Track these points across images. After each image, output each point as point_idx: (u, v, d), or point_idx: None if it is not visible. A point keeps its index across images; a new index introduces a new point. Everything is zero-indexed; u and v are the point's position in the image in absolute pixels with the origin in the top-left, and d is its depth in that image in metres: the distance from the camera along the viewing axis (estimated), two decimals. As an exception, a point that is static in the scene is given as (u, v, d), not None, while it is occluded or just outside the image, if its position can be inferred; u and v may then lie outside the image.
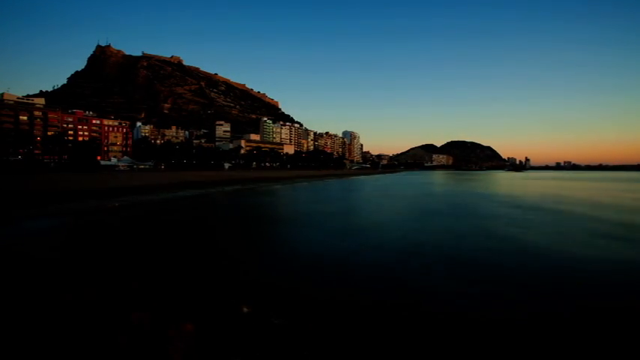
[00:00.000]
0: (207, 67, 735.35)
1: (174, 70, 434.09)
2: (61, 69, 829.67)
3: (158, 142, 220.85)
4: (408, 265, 19.37)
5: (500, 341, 10.88)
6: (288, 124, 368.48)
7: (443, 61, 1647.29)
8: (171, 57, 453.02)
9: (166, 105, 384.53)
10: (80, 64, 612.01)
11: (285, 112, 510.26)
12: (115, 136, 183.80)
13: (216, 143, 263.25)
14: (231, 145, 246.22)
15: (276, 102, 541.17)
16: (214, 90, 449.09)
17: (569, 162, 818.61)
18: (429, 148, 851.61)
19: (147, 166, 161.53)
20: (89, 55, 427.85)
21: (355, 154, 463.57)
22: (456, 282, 16.49)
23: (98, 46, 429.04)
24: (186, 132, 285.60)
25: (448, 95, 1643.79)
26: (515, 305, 13.87)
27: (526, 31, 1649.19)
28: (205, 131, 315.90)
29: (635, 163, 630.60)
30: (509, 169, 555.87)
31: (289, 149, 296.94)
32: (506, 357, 10.11)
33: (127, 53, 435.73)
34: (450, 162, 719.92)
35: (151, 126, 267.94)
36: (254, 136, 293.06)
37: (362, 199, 64.15)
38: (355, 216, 41.24)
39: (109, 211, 40.10)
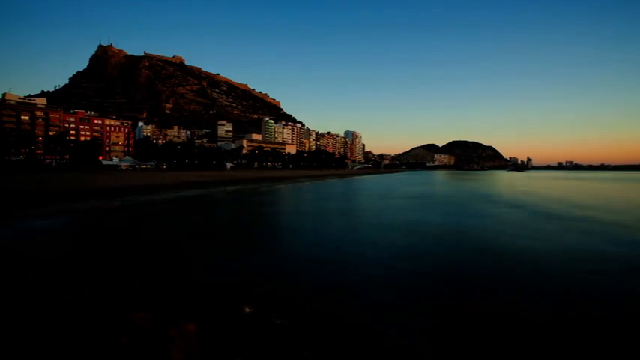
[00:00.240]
0: (209, 67, 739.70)
1: (176, 70, 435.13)
2: (63, 69, 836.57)
3: (160, 142, 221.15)
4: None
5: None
6: (289, 124, 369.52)
7: (445, 61, 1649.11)
8: (173, 57, 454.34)
9: (168, 105, 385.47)
10: (82, 64, 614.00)
11: (287, 112, 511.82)
12: (117, 136, 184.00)
13: (218, 143, 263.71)
14: (233, 145, 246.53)
15: (278, 102, 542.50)
16: (216, 90, 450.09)
17: (571, 162, 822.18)
18: (430, 148, 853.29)
19: (149, 166, 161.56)
20: (91, 55, 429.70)
21: (357, 154, 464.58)
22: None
23: (100, 46, 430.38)
24: (188, 132, 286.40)
25: (450, 95, 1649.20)
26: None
27: (528, 31, 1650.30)
28: (207, 131, 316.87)
29: (637, 163, 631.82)
30: (511, 169, 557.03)
31: (291, 149, 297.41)
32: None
33: (129, 53, 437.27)
34: (452, 162, 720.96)
35: (153, 126, 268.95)
36: (256, 136, 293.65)
37: (365, 200, 63.56)
38: (359, 217, 40.79)
39: (110, 212, 39.84)
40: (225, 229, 32.41)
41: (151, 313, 8.36)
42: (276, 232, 31.03)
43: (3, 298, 8.87)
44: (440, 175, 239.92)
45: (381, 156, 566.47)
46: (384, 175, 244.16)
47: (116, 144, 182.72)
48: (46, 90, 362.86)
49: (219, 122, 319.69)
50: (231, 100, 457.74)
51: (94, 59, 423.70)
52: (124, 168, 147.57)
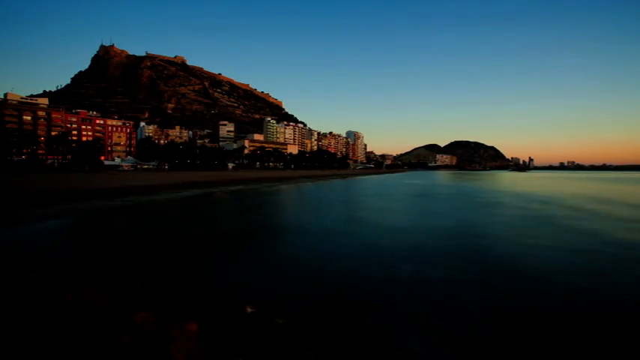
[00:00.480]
0: (211, 67, 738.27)
1: (177, 70, 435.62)
2: (65, 69, 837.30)
3: (162, 142, 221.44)
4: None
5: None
6: (291, 124, 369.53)
7: (447, 60, 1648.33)
8: (175, 57, 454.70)
9: (170, 105, 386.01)
10: (84, 64, 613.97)
11: (289, 112, 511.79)
12: (119, 136, 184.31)
13: (220, 143, 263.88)
14: (234, 145, 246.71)
15: (280, 102, 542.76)
16: (218, 90, 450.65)
17: (573, 162, 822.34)
18: (432, 148, 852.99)
19: (150, 166, 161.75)
20: (93, 55, 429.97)
21: (359, 154, 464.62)
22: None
23: (102, 46, 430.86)
24: (190, 132, 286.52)
25: (452, 95, 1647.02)
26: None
27: (530, 30, 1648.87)
28: (209, 131, 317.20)
29: (638, 163, 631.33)
30: (513, 169, 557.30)
31: (293, 149, 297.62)
32: None
33: (131, 53, 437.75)
34: (454, 162, 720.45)
35: (155, 126, 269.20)
36: (258, 136, 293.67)
37: (370, 201, 63.47)
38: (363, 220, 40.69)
39: (112, 212, 39.79)
40: (226, 229, 32.35)
41: (152, 313, 8.30)
42: (278, 232, 30.92)
43: (4, 298, 8.79)
44: (442, 175, 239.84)
45: (383, 156, 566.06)
46: (385, 175, 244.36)
47: (118, 144, 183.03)
48: (48, 90, 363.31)
49: (221, 122, 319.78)
50: (233, 100, 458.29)
51: (95, 59, 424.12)
52: (126, 168, 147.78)
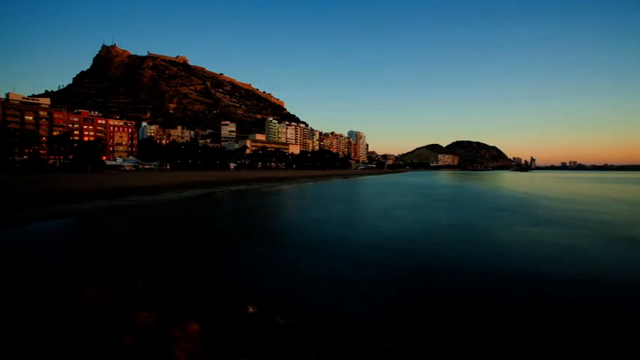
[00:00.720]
0: (213, 67, 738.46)
1: (179, 70, 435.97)
2: (67, 69, 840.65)
3: (163, 142, 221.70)
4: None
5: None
6: (293, 124, 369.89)
7: (448, 60, 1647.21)
8: (177, 57, 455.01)
9: (172, 105, 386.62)
10: (86, 64, 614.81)
11: (291, 112, 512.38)
12: (121, 136, 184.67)
13: (222, 143, 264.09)
14: (236, 145, 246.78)
15: (282, 102, 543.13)
16: (220, 90, 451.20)
17: (575, 162, 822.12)
18: (434, 148, 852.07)
19: (152, 166, 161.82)
20: (95, 55, 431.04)
21: (361, 154, 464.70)
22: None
23: (104, 46, 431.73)
24: (192, 132, 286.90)
25: (454, 95, 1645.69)
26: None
27: (531, 30, 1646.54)
28: (211, 131, 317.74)
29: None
30: (515, 169, 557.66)
31: (295, 149, 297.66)
32: None
33: (133, 53, 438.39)
34: (456, 162, 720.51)
35: (157, 126, 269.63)
36: (259, 136, 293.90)
37: (374, 201, 63.46)
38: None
39: (113, 212, 39.78)
40: (228, 229, 32.39)
41: (154, 313, 8.25)
42: (279, 233, 30.85)
43: (5, 298, 8.77)
44: (444, 175, 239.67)
45: (385, 156, 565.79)
46: (387, 175, 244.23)
47: (120, 144, 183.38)
48: (49, 90, 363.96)
49: (223, 122, 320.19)
50: (234, 100, 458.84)
51: (97, 59, 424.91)
52: (128, 168, 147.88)
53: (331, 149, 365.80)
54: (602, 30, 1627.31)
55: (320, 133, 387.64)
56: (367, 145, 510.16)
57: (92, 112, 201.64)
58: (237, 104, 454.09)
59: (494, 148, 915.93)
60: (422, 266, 18.97)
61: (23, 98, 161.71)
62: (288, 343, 9.47)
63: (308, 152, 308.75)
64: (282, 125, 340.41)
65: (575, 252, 22.21)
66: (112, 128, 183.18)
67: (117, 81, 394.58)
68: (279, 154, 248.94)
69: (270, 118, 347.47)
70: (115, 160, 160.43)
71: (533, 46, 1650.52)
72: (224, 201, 56.89)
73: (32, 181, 66.32)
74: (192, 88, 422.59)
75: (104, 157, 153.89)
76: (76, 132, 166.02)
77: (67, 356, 6.42)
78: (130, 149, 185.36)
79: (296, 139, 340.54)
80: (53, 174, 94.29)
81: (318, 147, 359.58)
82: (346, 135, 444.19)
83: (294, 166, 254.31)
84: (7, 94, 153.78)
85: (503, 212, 43.95)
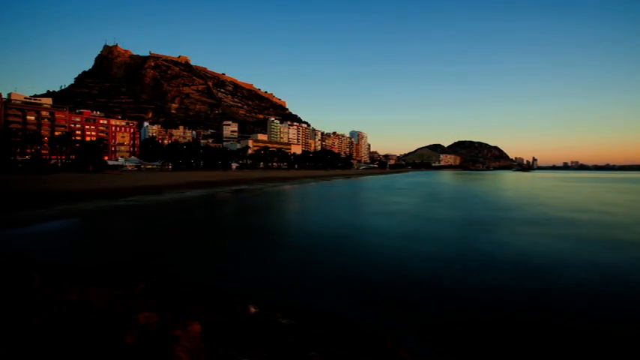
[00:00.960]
0: (215, 67, 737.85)
1: (181, 70, 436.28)
2: (69, 69, 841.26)
3: (165, 142, 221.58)
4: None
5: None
6: (295, 124, 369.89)
7: (450, 60, 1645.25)
8: (179, 57, 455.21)
9: (174, 105, 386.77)
10: (87, 64, 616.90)
11: (293, 112, 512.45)
12: (123, 136, 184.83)
13: (224, 143, 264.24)
14: (238, 145, 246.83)
15: (284, 102, 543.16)
16: (222, 90, 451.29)
17: (577, 162, 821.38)
18: (436, 148, 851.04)
19: (154, 166, 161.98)
20: (96, 55, 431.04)
21: (363, 154, 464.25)
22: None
23: (105, 46, 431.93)
24: (194, 132, 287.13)
25: (456, 95, 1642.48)
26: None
27: (533, 30, 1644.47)
28: (213, 131, 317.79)
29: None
30: (517, 170, 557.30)
31: (297, 149, 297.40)
32: None
33: (135, 53, 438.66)
34: (458, 162, 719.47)
35: (159, 126, 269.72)
36: (261, 136, 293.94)
37: (371, 201, 63.46)
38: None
39: (116, 211, 39.87)
40: (229, 229, 32.41)
41: (156, 314, 8.25)
42: (280, 233, 30.89)
43: (8, 299, 8.78)
44: (446, 176, 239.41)
45: (387, 156, 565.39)
46: (389, 175, 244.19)
47: (122, 144, 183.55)
48: (51, 90, 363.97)
49: (225, 122, 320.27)
50: (236, 100, 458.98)
51: (99, 59, 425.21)
52: (130, 168, 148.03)
53: (333, 149, 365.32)
54: (605, 29, 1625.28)
55: (322, 133, 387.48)
56: (369, 145, 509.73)
57: (94, 112, 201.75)
58: (239, 104, 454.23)
59: (496, 148, 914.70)
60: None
61: (25, 98, 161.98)
62: (289, 343, 9.49)
63: (310, 152, 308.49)
64: (284, 125, 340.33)
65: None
66: (114, 128, 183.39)
67: (119, 81, 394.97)
68: (281, 154, 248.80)
69: (272, 118, 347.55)
70: (117, 160, 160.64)
71: (535, 46, 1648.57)
72: (226, 201, 56.92)
73: (34, 181, 66.42)
74: (194, 88, 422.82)
75: (106, 157, 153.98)
76: (78, 132, 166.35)
77: (70, 356, 6.43)
78: (132, 149, 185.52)
79: (298, 139, 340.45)
80: (55, 174, 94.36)
81: (320, 147, 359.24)
82: (348, 135, 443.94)
83: (296, 166, 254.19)
84: (9, 94, 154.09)
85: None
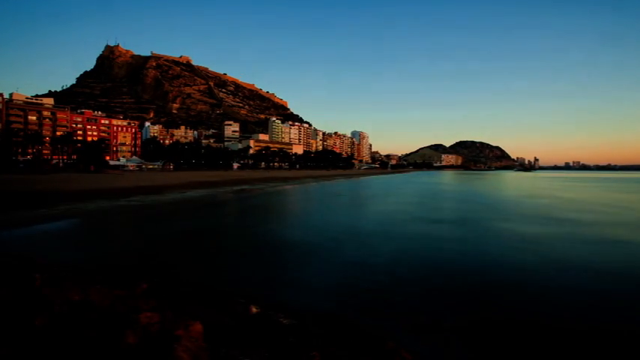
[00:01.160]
0: (216, 67, 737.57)
1: (183, 70, 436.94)
2: (70, 69, 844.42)
3: (167, 142, 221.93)
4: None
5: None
6: (296, 124, 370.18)
7: (452, 60, 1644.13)
8: (180, 57, 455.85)
9: (175, 105, 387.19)
10: (89, 64, 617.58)
11: (294, 112, 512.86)
12: (124, 136, 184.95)
13: (225, 143, 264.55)
14: (239, 145, 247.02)
15: (285, 102, 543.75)
16: (223, 90, 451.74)
17: (578, 162, 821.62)
18: (438, 148, 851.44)
19: (155, 166, 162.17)
20: (98, 55, 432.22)
21: (364, 154, 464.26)
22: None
23: (107, 46, 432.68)
24: (195, 132, 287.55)
25: (457, 95, 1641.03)
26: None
27: (535, 30, 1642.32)
28: (214, 131, 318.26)
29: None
30: (518, 170, 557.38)
31: (298, 149, 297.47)
32: None
33: (136, 53, 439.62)
34: (459, 162, 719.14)
35: (160, 126, 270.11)
36: (263, 136, 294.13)
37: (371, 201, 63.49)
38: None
39: (117, 211, 39.87)
40: (231, 229, 32.43)
41: (157, 314, 8.29)
42: (282, 233, 30.84)
43: (9, 299, 8.79)
44: (448, 176, 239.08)
45: (388, 156, 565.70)
46: (391, 175, 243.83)
47: (123, 144, 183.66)
48: (53, 90, 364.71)
49: (226, 122, 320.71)
50: (238, 100, 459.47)
51: (101, 59, 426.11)
52: (131, 168, 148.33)
53: (334, 149, 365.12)
54: (606, 30, 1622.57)
55: (323, 133, 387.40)
56: (370, 145, 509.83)
57: (95, 112, 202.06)
58: (241, 104, 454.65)
59: (497, 148, 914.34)
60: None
61: (27, 98, 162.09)
62: (291, 343, 9.48)
63: (311, 152, 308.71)
64: (285, 125, 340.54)
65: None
66: (115, 128, 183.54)
67: (120, 81, 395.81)
68: (283, 154, 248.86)
69: (274, 118, 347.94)
70: (118, 160, 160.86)
71: (537, 46, 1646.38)
72: (227, 201, 56.88)
73: (35, 181, 66.49)
74: (196, 88, 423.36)
75: (107, 157, 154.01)
76: (80, 132, 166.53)
77: (72, 356, 6.44)
78: (133, 149, 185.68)
79: (299, 139, 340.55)
80: (56, 174, 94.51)
81: (321, 147, 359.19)
82: (349, 135, 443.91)
83: (297, 166, 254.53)
84: (11, 94, 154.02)
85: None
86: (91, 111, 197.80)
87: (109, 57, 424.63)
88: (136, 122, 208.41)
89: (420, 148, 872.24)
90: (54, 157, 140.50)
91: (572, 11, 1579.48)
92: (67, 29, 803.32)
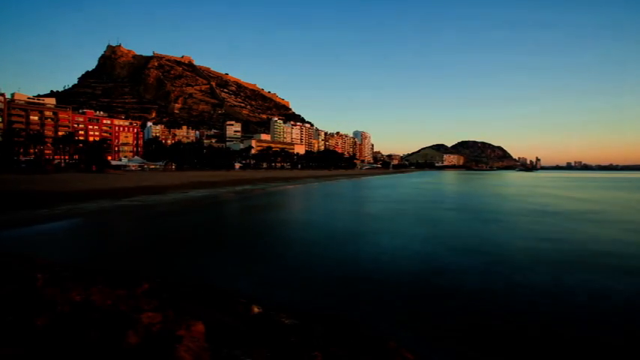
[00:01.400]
0: (218, 67, 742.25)
1: (184, 70, 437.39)
2: (72, 69, 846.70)
3: (169, 142, 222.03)
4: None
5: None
6: (298, 124, 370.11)
7: (454, 60, 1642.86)
8: (182, 57, 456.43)
9: (177, 105, 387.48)
10: (91, 64, 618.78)
11: (296, 112, 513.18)
12: (126, 136, 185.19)
13: (227, 143, 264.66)
14: (241, 145, 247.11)
15: (287, 102, 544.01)
16: (225, 90, 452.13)
17: (580, 162, 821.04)
18: (439, 148, 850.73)
19: (157, 166, 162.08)
20: (100, 55, 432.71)
21: (366, 154, 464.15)
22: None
23: (109, 46, 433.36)
24: (197, 132, 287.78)
25: (459, 95, 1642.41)
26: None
27: (537, 30, 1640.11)
28: (216, 131, 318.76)
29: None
30: (520, 170, 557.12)
31: (300, 149, 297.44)
32: None
33: (138, 53, 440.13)
34: (461, 162, 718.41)
35: (162, 126, 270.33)
36: (265, 136, 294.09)
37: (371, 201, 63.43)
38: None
39: (119, 211, 39.84)
40: (232, 230, 32.40)
41: (159, 314, 8.25)
42: (283, 234, 30.83)
43: (10, 299, 8.78)
44: (450, 176, 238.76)
45: (390, 156, 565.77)
46: (393, 175, 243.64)
47: (125, 144, 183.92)
48: (55, 90, 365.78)
49: (228, 122, 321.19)
50: (240, 100, 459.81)
51: (102, 59, 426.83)
52: (133, 168, 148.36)
53: (336, 149, 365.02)
54: (608, 30, 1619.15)
55: (325, 133, 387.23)
56: (372, 145, 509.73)
57: (97, 112, 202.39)
58: (243, 104, 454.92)
59: (499, 148, 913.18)
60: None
61: (28, 98, 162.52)
62: (293, 343, 9.45)
63: (313, 152, 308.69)
64: (287, 125, 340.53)
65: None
66: (117, 128, 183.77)
67: (122, 81, 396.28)
68: (285, 154, 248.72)
69: (276, 118, 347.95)
70: (120, 160, 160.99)
71: (539, 46, 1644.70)
72: (229, 201, 56.85)
73: (37, 181, 66.51)
74: (198, 88, 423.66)
75: (109, 157, 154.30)
76: (82, 132, 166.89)
77: (74, 357, 6.42)
78: (135, 149, 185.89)
79: (301, 139, 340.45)
80: (58, 174, 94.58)
81: (323, 147, 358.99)
82: (351, 135, 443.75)
83: (299, 166, 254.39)
84: (13, 94, 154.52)
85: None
86: (92, 111, 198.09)
87: (110, 57, 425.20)
88: (138, 122, 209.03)
89: (422, 148, 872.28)
90: (56, 157, 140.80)
91: (571, 10, 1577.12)
92: (69, 29, 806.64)
